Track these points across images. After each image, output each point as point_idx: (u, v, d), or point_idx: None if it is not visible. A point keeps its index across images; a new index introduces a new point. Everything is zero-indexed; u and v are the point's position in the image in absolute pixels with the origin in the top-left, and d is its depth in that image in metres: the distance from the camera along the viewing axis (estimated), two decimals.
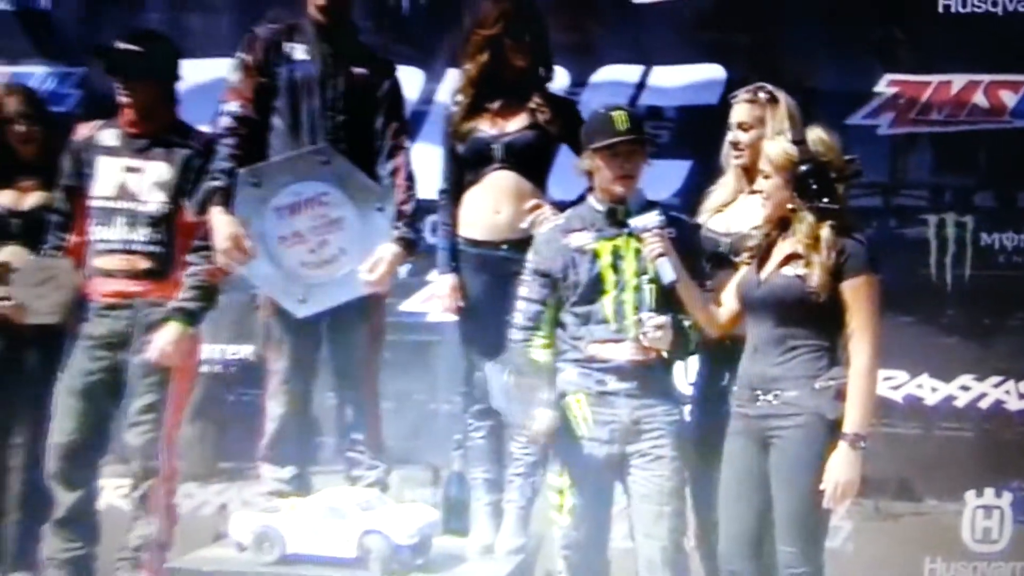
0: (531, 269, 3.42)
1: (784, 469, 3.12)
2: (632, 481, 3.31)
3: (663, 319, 3.23)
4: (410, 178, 3.69)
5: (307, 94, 3.65)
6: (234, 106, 3.65)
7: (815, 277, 3.05)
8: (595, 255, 3.32)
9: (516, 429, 3.51)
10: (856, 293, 3.06)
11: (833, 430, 3.05)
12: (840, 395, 3.06)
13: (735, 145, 3.53)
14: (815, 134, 3.16)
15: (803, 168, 3.08)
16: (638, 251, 3.29)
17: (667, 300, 3.28)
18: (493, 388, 3.34)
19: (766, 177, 3.18)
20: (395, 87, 3.77)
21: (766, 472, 3.15)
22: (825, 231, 3.06)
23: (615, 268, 3.31)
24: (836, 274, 3.05)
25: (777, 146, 3.19)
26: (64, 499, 3.69)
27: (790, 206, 3.13)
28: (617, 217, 3.33)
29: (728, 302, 3.31)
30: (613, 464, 3.32)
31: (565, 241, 3.36)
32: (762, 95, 3.52)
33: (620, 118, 3.32)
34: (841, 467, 3.03)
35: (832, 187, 3.10)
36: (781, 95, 3.51)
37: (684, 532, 3.35)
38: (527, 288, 3.41)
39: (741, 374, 3.23)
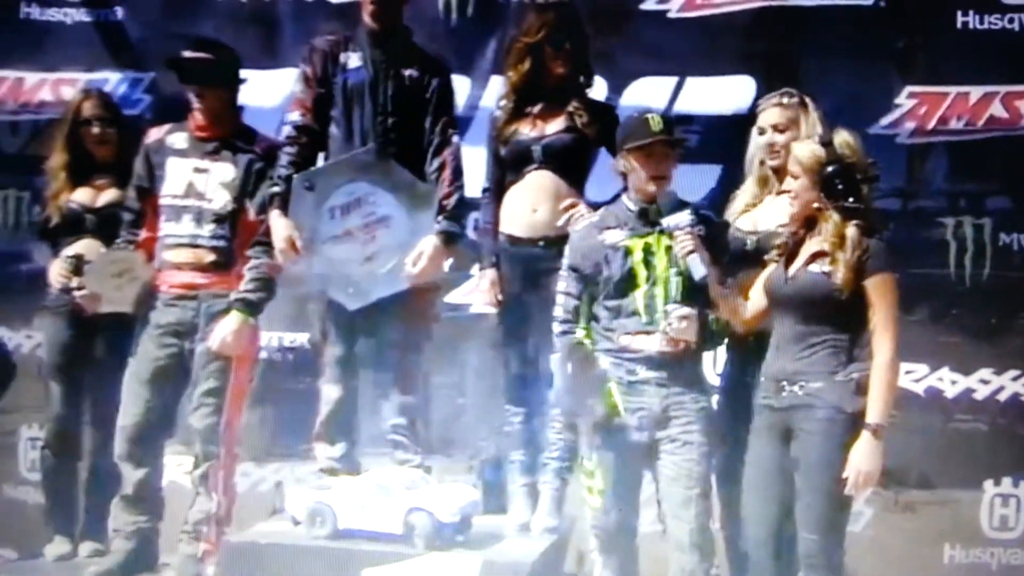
0: (568, 265, 3.45)
1: (807, 459, 3.13)
2: (662, 466, 3.32)
3: (688, 311, 3.26)
4: (455, 173, 3.70)
5: (359, 100, 3.69)
6: (295, 116, 3.72)
7: (840, 274, 3.07)
8: (627, 251, 3.34)
9: (569, 416, 3.51)
10: (878, 290, 3.08)
11: (854, 422, 3.07)
12: (860, 388, 3.08)
13: (771, 146, 3.53)
14: (841, 137, 3.20)
15: (830, 169, 3.12)
16: (669, 248, 3.31)
17: (696, 295, 3.30)
18: (558, 381, 3.35)
19: (794, 178, 3.21)
20: (444, 85, 3.79)
21: (789, 463, 3.17)
22: (850, 230, 3.09)
23: (647, 264, 3.33)
24: (859, 271, 3.07)
25: (806, 148, 3.21)
26: (131, 476, 3.78)
27: (817, 205, 3.15)
28: (649, 216, 3.35)
29: (755, 298, 3.33)
30: (643, 450, 3.34)
31: (600, 238, 3.38)
32: (793, 99, 3.55)
33: (654, 121, 3.35)
34: (863, 457, 3.05)
35: (857, 188, 3.13)
36: (808, 99, 3.54)
37: (711, 514, 3.36)
38: (564, 283, 3.45)
39: (767, 367, 3.24)
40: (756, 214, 3.58)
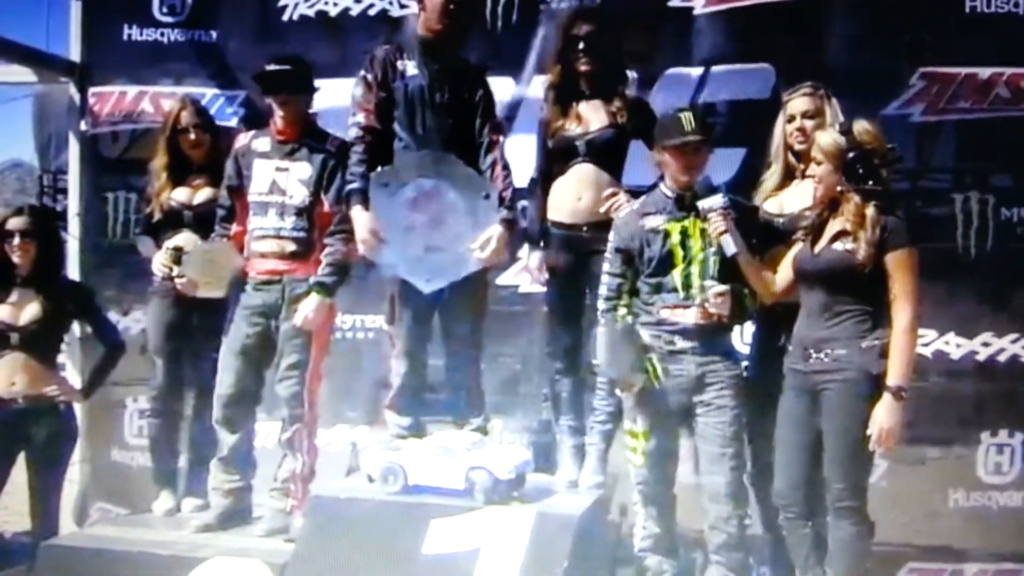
0: (612, 248, 3.49)
1: (834, 417, 3.18)
2: (698, 427, 3.37)
3: (723, 287, 3.30)
4: (506, 168, 3.72)
5: (419, 103, 3.69)
6: (360, 118, 3.71)
7: (862, 251, 3.11)
8: (666, 235, 3.38)
9: (608, 383, 3.55)
10: (898, 263, 3.12)
11: (877, 383, 3.11)
12: (883, 353, 3.12)
13: (801, 131, 3.50)
14: (860, 125, 3.21)
15: (851, 155, 3.14)
16: (703, 231, 3.35)
17: (728, 271, 3.33)
18: (600, 350, 3.37)
19: (818, 163, 3.22)
20: (488, 92, 3.80)
21: (817, 421, 3.21)
22: (870, 210, 3.11)
23: (683, 245, 3.37)
24: (880, 248, 3.11)
25: (828, 136, 3.23)
26: (227, 440, 3.83)
27: (840, 188, 3.18)
28: (685, 202, 3.38)
29: (784, 273, 3.35)
30: (681, 412, 3.39)
31: (640, 223, 3.42)
32: (819, 90, 3.53)
33: (687, 119, 3.37)
34: (886, 415, 3.10)
35: (876, 171, 3.16)
36: (828, 91, 3.53)
37: (743, 469, 3.39)
38: (609, 264, 3.49)
39: (795, 336, 3.27)
40: (782, 198, 3.58)
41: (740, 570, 3.39)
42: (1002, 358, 4.37)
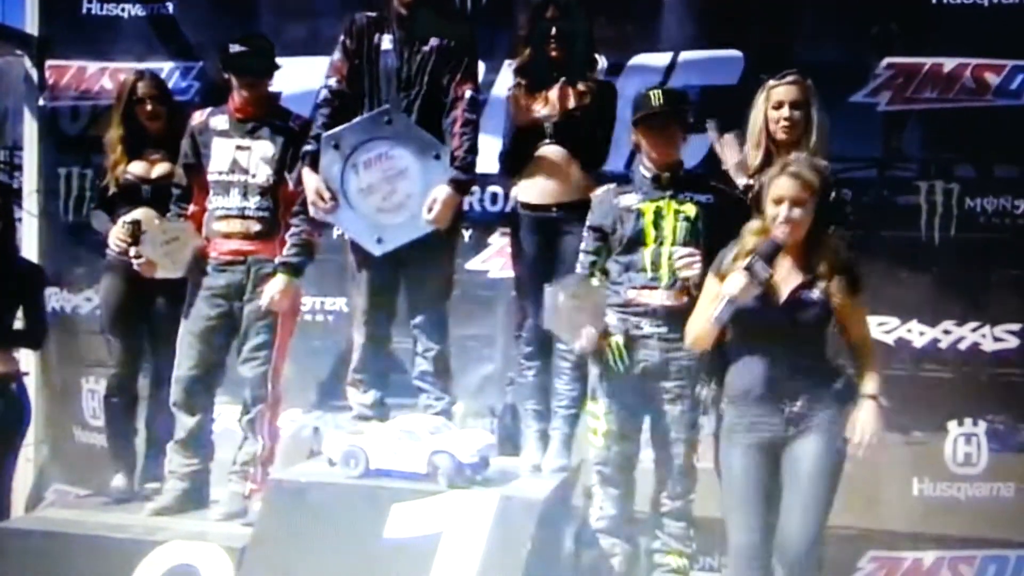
0: (588, 225, 3.46)
1: (810, 462, 3.04)
2: (657, 412, 3.36)
3: (691, 251, 3.26)
4: (466, 124, 3.61)
5: (386, 78, 3.64)
6: (332, 81, 3.68)
7: (835, 298, 3.01)
8: (640, 213, 3.35)
9: (572, 367, 3.54)
10: (862, 306, 3.09)
11: (847, 415, 3.05)
12: (852, 386, 3.07)
13: (788, 120, 3.39)
14: (821, 163, 3.10)
15: (834, 193, 3.06)
16: (677, 212, 3.32)
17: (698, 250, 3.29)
18: (547, 308, 3.33)
19: (795, 203, 3.00)
20: (466, 47, 3.68)
21: (776, 481, 3.08)
22: (842, 255, 3.04)
23: (656, 225, 3.34)
24: (852, 292, 3.03)
25: (809, 169, 3.05)
26: (185, 423, 3.77)
27: (810, 229, 3.02)
28: (661, 182, 3.36)
29: (703, 315, 3.12)
30: (643, 397, 3.36)
31: (616, 201, 3.40)
32: (806, 80, 3.43)
33: (655, 95, 3.35)
34: (868, 421, 3.03)
35: (847, 213, 3.12)
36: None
37: (695, 451, 3.37)
38: (585, 242, 3.46)
39: (758, 389, 3.08)
40: (760, 179, 3.43)
41: (683, 540, 3.41)
42: (963, 346, 4.36)
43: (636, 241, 3.34)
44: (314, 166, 3.60)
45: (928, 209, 4.32)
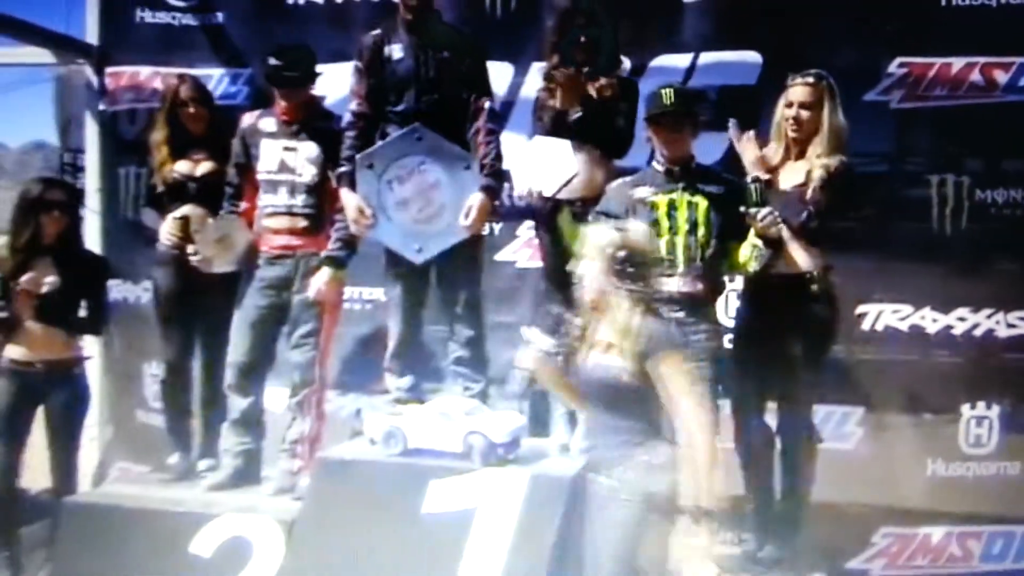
0: (596, 210, 3.49)
1: (608, 542, 2.80)
2: None
3: (770, 209, 3.29)
4: (489, 134, 3.69)
5: (407, 85, 3.70)
6: (353, 105, 3.77)
7: (628, 364, 2.73)
8: (653, 206, 3.39)
9: None
10: (661, 370, 2.70)
11: (653, 503, 2.72)
12: (656, 468, 2.73)
13: (796, 120, 3.48)
14: (634, 225, 2.92)
15: (622, 254, 2.77)
16: (690, 203, 3.36)
17: (713, 245, 3.35)
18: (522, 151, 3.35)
19: (590, 259, 2.83)
20: (477, 60, 3.76)
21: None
22: (636, 319, 2.74)
23: (669, 217, 3.38)
24: (644, 356, 2.71)
25: (600, 233, 2.85)
26: (239, 404, 3.86)
27: (606, 290, 2.80)
28: (674, 176, 3.40)
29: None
30: None
31: (630, 193, 3.44)
32: (821, 81, 3.49)
33: (666, 94, 3.39)
34: (685, 541, 2.63)
35: (645, 273, 2.79)
36: (832, 83, 3.48)
37: (716, 432, 3.19)
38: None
39: (588, 456, 2.96)
40: (779, 175, 3.57)
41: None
42: (978, 332, 4.37)
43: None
44: (351, 186, 3.68)
45: (939, 201, 4.33)
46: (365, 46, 3.77)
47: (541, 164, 3.31)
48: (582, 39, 3.68)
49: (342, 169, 3.71)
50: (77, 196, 4.26)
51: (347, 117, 3.77)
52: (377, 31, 3.80)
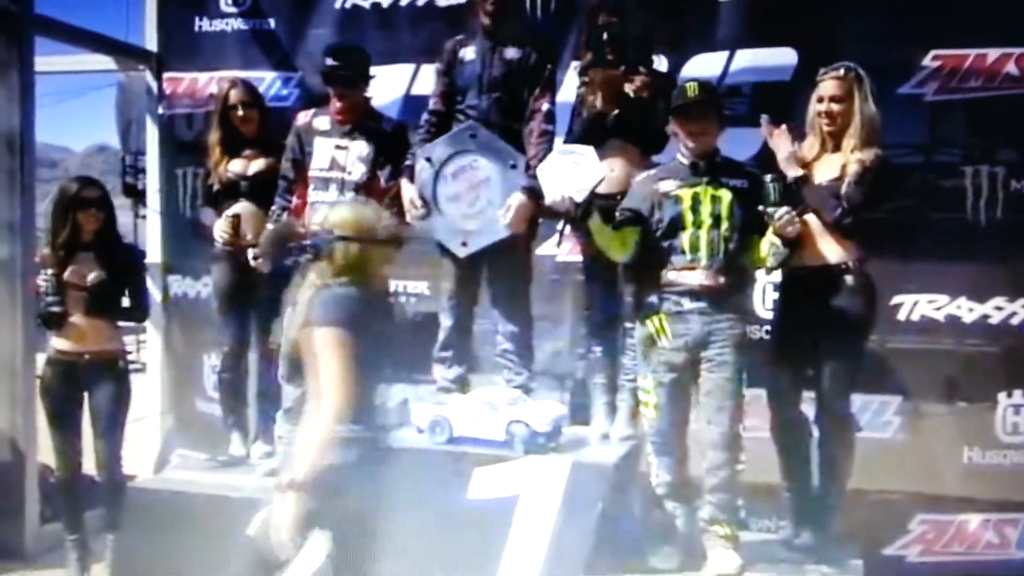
0: (621, 208, 3.46)
1: None
2: (701, 381, 3.35)
3: (788, 209, 3.29)
4: (542, 135, 3.73)
5: (473, 87, 3.78)
6: (431, 103, 3.89)
7: (293, 330, 2.69)
8: (678, 199, 3.36)
9: (628, 331, 3.57)
10: (312, 343, 2.63)
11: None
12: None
13: (828, 114, 3.46)
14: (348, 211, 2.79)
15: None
16: (714, 197, 3.34)
17: (736, 239, 3.34)
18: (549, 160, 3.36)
19: None
20: (542, 58, 3.81)
21: None
22: (310, 291, 2.68)
23: (693, 210, 3.35)
24: (304, 326, 2.64)
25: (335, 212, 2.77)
26: (291, 393, 3.71)
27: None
28: (699, 169, 3.37)
29: None
30: (688, 368, 3.36)
31: (655, 187, 3.41)
32: (850, 73, 3.46)
33: (691, 87, 3.37)
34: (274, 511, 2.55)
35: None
36: (863, 74, 3.44)
37: (740, 420, 3.34)
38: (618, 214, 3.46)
39: None
40: (815, 168, 3.54)
41: (729, 509, 3.38)
42: (1015, 321, 4.33)
43: (675, 225, 3.35)
44: (411, 177, 3.80)
45: (974, 192, 4.29)
46: (445, 49, 3.90)
47: (569, 170, 3.32)
48: (606, 36, 3.68)
49: (407, 162, 3.82)
50: (106, 191, 4.24)
51: (424, 116, 3.90)
52: (459, 36, 3.91)
